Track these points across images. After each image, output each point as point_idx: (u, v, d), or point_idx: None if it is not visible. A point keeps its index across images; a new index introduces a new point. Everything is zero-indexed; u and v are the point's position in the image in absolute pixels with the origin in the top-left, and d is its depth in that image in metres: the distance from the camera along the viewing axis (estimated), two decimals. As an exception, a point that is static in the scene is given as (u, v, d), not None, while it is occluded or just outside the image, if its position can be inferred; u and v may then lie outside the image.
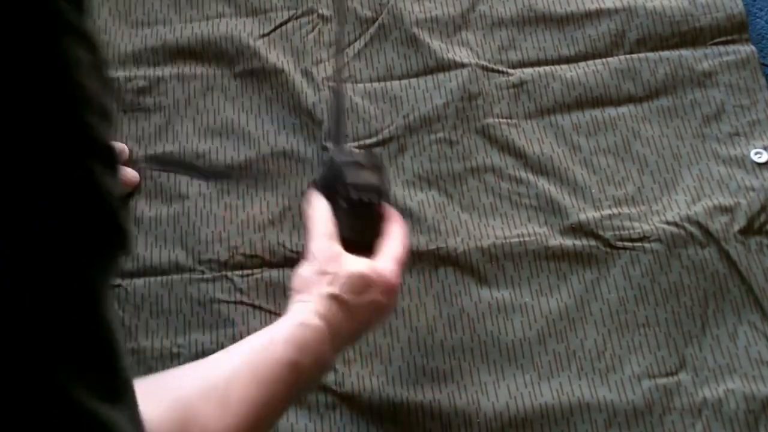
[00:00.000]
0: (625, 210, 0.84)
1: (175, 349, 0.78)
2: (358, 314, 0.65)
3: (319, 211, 0.69)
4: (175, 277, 0.82)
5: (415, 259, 0.81)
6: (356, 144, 0.88)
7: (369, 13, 0.96)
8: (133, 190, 0.86)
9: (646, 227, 0.82)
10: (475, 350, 0.78)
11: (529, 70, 0.92)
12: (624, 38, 0.93)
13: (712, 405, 0.74)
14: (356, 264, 0.66)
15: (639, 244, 0.81)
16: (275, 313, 0.80)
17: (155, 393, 0.52)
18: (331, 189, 0.70)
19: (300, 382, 0.60)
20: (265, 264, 0.82)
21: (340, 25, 0.88)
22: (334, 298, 0.64)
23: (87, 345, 0.33)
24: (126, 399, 0.37)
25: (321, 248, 0.67)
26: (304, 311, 0.63)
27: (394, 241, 0.69)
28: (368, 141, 0.88)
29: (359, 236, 0.69)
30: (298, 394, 0.63)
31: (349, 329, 0.65)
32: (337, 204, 0.69)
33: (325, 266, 0.66)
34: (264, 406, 0.57)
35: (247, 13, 0.96)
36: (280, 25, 0.95)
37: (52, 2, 0.31)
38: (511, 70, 0.92)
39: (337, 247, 0.67)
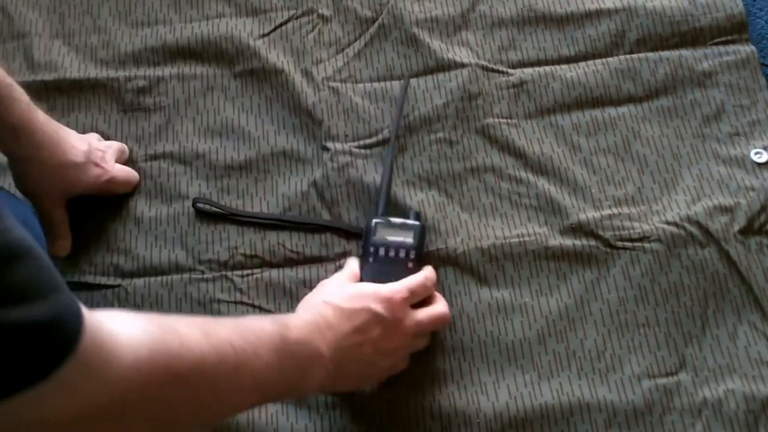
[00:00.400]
0: (625, 210, 0.84)
1: (175, 349, 0.78)
2: (352, 317, 0.68)
3: (347, 266, 0.77)
4: (175, 277, 0.82)
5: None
6: (356, 144, 0.88)
7: (369, 13, 0.96)
8: (133, 190, 0.86)
9: (646, 227, 0.82)
10: (475, 350, 0.78)
11: (529, 70, 0.92)
12: (624, 38, 0.93)
13: (712, 405, 0.74)
14: (354, 284, 0.73)
15: (639, 244, 0.81)
16: (275, 314, 0.80)
17: (134, 315, 0.52)
18: (364, 248, 0.78)
19: (285, 356, 0.61)
20: (265, 264, 0.82)
21: (398, 111, 0.87)
22: (325, 303, 0.69)
23: None
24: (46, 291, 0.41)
25: (329, 281, 0.75)
26: (295, 313, 0.69)
27: (414, 275, 0.75)
28: (368, 141, 0.88)
29: None
30: (284, 374, 0.62)
31: (342, 328, 0.67)
32: (365, 261, 0.77)
33: (324, 288, 0.73)
34: (243, 356, 0.57)
35: (247, 13, 0.96)
36: (280, 25, 0.95)
37: None
38: (511, 70, 0.92)
39: (346, 282, 0.74)
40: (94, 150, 0.81)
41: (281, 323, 0.63)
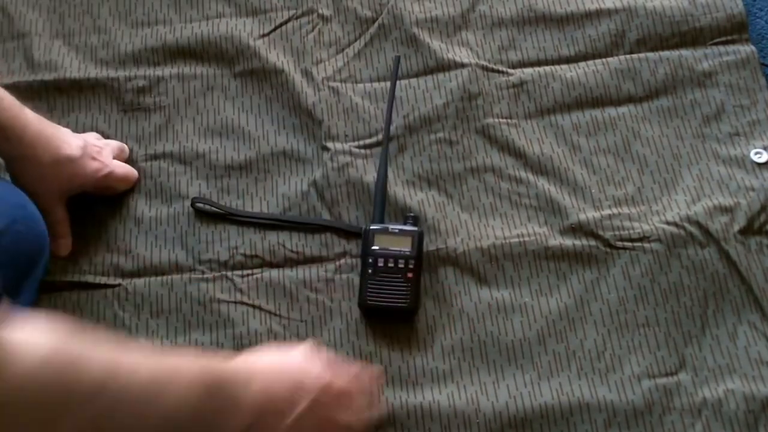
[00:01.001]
0: (625, 210, 0.84)
1: (175, 349, 0.78)
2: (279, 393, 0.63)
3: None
4: (175, 277, 0.82)
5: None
6: (356, 144, 0.88)
7: (369, 13, 0.96)
8: (133, 188, 0.86)
9: (646, 227, 0.82)
10: (475, 350, 0.78)
11: (529, 70, 0.92)
12: (624, 38, 0.93)
13: (711, 405, 0.74)
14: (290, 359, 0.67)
15: (639, 244, 0.81)
16: (275, 314, 0.80)
17: (42, 321, 0.50)
18: (363, 259, 0.79)
19: (205, 398, 0.56)
20: (265, 264, 0.82)
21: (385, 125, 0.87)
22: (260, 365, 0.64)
23: None
24: None
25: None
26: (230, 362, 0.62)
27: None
28: (368, 141, 0.88)
29: (387, 301, 0.78)
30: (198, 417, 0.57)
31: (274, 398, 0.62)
32: (365, 273, 0.78)
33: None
34: (153, 387, 0.53)
35: (247, 13, 0.96)
36: (280, 25, 0.95)
37: None
38: (511, 70, 0.92)
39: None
40: (91, 145, 0.81)
41: (212, 373, 0.59)
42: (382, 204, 0.82)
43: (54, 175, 0.78)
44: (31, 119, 0.75)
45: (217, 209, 0.84)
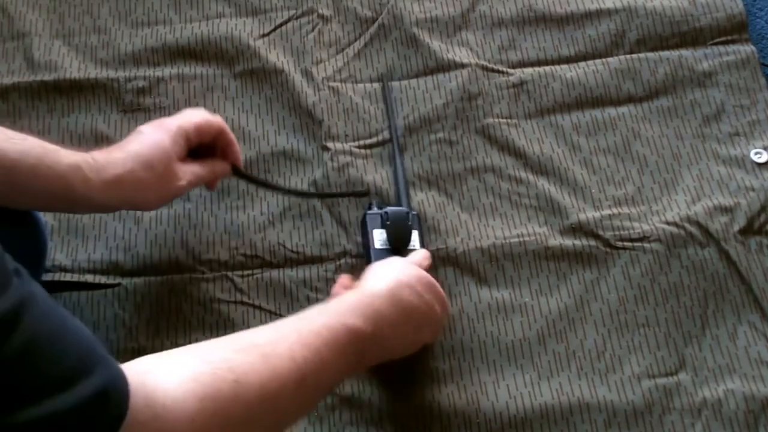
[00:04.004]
0: (625, 210, 0.84)
1: (175, 349, 0.78)
2: (389, 294, 0.67)
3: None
4: (176, 277, 0.82)
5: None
6: (356, 144, 0.88)
7: (369, 13, 0.96)
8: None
9: (646, 227, 0.82)
10: (475, 350, 0.78)
11: (529, 70, 0.92)
12: (624, 38, 0.93)
13: (711, 405, 0.74)
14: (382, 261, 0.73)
15: (639, 244, 0.81)
16: (275, 313, 0.80)
17: (180, 360, 0.51)
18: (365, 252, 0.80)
19: (342, 351, 0.60)
20: (265, 264, 0.82)
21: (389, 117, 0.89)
22: (365, 283, 0.69)
23: None
24: None
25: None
26: (340, 299, 0.66)
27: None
28: (368, 141, 0.88)
29: None
30: (349, 363, 0.62)
31: (382, 303, 0.66)
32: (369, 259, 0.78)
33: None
34: (306, 366, 0.56)
35: (247, 13, 0.96)
36: (280, 25, 0.95)
37: None
38: (511, 70, 0.92)
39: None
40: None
41: (336, 313, 0.62)
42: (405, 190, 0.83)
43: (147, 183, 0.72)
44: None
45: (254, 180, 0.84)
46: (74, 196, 0.67)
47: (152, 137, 0.72)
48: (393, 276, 0.68)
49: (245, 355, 0.54)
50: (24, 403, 0.41)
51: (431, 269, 0.78)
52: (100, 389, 0.44)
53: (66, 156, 0.66)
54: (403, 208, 0.80)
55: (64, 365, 0.43)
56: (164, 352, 0.51)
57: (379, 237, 0.79)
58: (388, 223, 0.78)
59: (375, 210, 0.81)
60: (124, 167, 0.69)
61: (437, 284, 0.71)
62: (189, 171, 0.74)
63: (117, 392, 0.45)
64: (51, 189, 0.66)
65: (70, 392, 0.43)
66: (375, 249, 0.78)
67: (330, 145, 0.87)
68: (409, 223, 0.79)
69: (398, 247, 0.78)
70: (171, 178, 0.72)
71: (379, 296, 0.66)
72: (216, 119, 0.77)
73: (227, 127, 0.78)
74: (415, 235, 0.79)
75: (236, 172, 0.80)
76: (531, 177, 0.86)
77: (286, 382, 0.54)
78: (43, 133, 0.89)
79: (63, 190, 0.66)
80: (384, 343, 0.65)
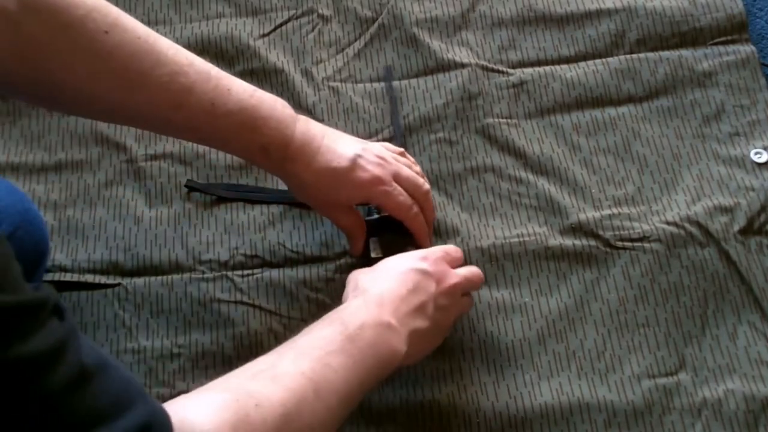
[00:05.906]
0: (625, 210, 0.84)
1: (175, 350, 0.78)
2: (402, 282, 0.68)
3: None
4: (176, 276, 0.82)
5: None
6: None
7: (369, 13, 0.96)
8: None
9: (646, 227, 0.82)
10: (475, 350, 0.78)
11: (529, 70, 0.92)
12: (624, 38, 0.93)
13: (711, 405, 0.74)
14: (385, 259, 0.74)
15: (639, 244, 0.81)
16: (275, 313, 0.80)
17: (207, 396, 0.54)
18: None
19: (355, 352, 0.61)
20: (265, 264, 0.82)
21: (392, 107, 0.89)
22: (371, 281, 0.69)
23: None
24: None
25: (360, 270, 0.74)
26: (344, 304, 0.68)
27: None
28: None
29: None
30: (363, 367, 0.62)
31: (399, 294, 0.67)
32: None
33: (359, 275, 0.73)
34: (317, 378, 0.57)
35: (247, 13, 0.96)
36: (280, 25, 0.95)
37: None
38: (511, 70, 0.92)
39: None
40: (370, 154, 0.75)
41: (337, 320, 0.63)
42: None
43: (317, 188, 0.74)
44: (298, 134, 0.72)
45: (210, 193, 0.85)
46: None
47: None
48: (394, 275, 0.70)
49: (257, 381, 0.56)
50: None
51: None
52: (144, 422, 0.44)
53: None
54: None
55: (109, 399, 0.44)
56: (189, 393, 0.53)
57: (374, 246, 0.80)
58: (381, 232, 0.79)
59: (375, 216, 0.81)
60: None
61: (433, 277, 0.70)
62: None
63: (159, 425, 0.46)
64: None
65: (115, 425, 0.43)
66: (372, 258, 0.79)
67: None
68: (405, 230, 0.78)
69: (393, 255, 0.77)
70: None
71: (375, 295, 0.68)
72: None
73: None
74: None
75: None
76: (531, 177, 0.86)
77: (304, 394, 0.56)
78: (43, 133, 0.89)
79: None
80: (409, 330, 0.66)
